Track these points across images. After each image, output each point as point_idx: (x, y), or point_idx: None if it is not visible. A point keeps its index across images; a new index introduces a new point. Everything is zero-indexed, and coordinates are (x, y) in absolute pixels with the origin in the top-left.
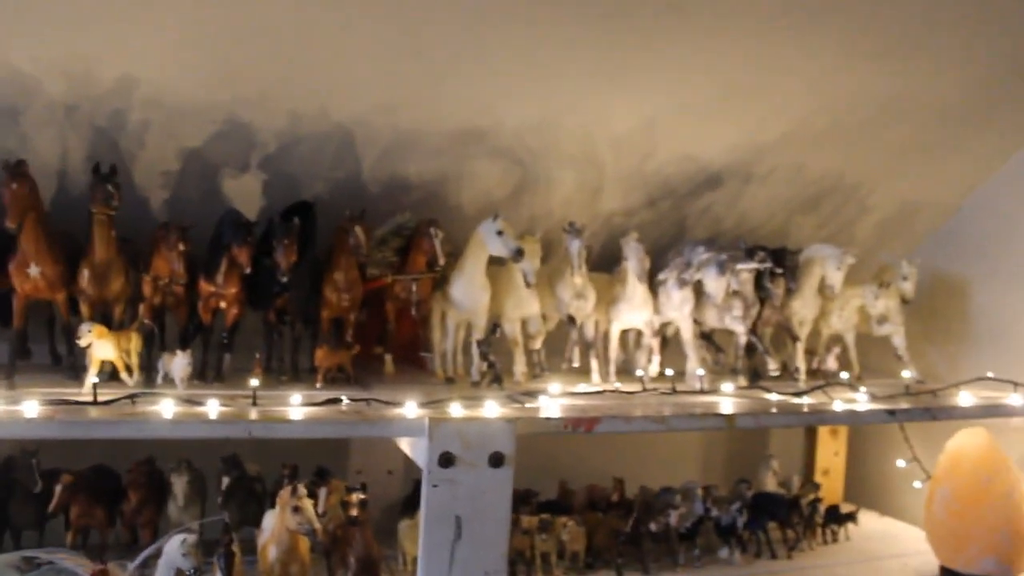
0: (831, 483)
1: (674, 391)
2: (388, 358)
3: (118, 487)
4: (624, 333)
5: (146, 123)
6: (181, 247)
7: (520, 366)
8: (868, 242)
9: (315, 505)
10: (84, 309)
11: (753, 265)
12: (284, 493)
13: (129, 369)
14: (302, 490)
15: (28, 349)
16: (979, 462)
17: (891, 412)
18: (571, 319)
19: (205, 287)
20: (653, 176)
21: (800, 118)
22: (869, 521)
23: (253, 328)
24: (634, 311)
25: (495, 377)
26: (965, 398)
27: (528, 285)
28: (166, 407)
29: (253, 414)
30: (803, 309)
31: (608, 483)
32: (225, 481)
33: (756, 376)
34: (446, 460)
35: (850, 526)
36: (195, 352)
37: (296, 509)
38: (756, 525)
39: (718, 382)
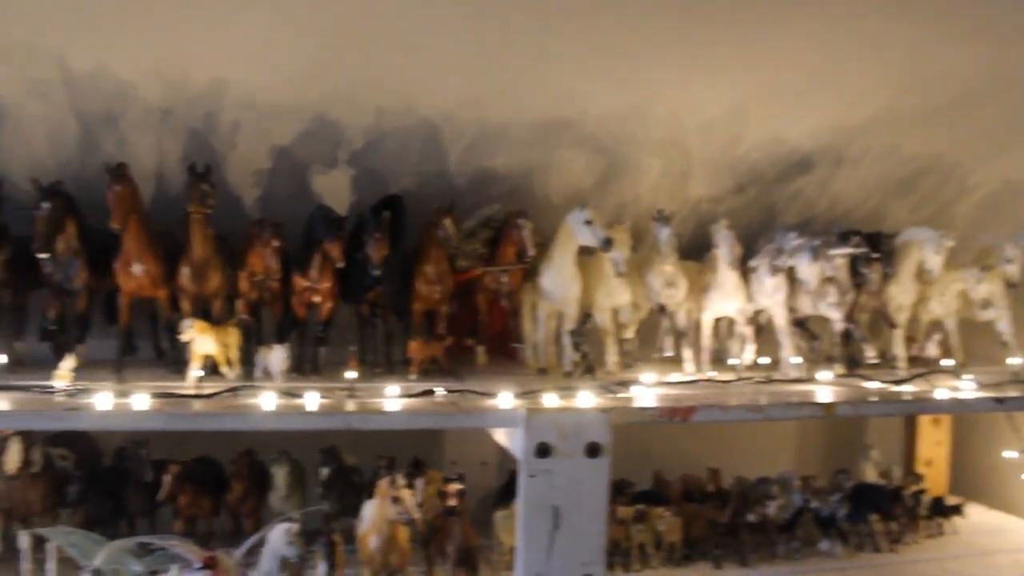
0: (934, 474)
1: (769, 380)
2: (480, 349)
3: (221, 477)
4: (716, 321)
5: (237, 124)
6: (275, 244)
7: (612, 356)
8: (968, 224)
9: (412, 496)
10: (184, 305)
11: (847, 250)
12: (383, 484)
13: (229, 363)
14: (401, 481)
15: (134, 345)
16: None
17: (999, 400)
18: (662, 308)
19: (299, 282)
20: (741, 161)
21: (892, 98)
22: (976, 514)
23: (346, 322)
24: (726, 299)
25: (587, 367)
26: None
27: (618, 274)
28: (267, 399)
29: (351, 406)
30: (901, 295)
31: (702, 473)
32: (324, 472)
33: (853, 364)
34: (542, 450)
35: (956, 519)
36: (291, 346)
37: (395, 499)
38: (857, 517)
39: (814, 370)
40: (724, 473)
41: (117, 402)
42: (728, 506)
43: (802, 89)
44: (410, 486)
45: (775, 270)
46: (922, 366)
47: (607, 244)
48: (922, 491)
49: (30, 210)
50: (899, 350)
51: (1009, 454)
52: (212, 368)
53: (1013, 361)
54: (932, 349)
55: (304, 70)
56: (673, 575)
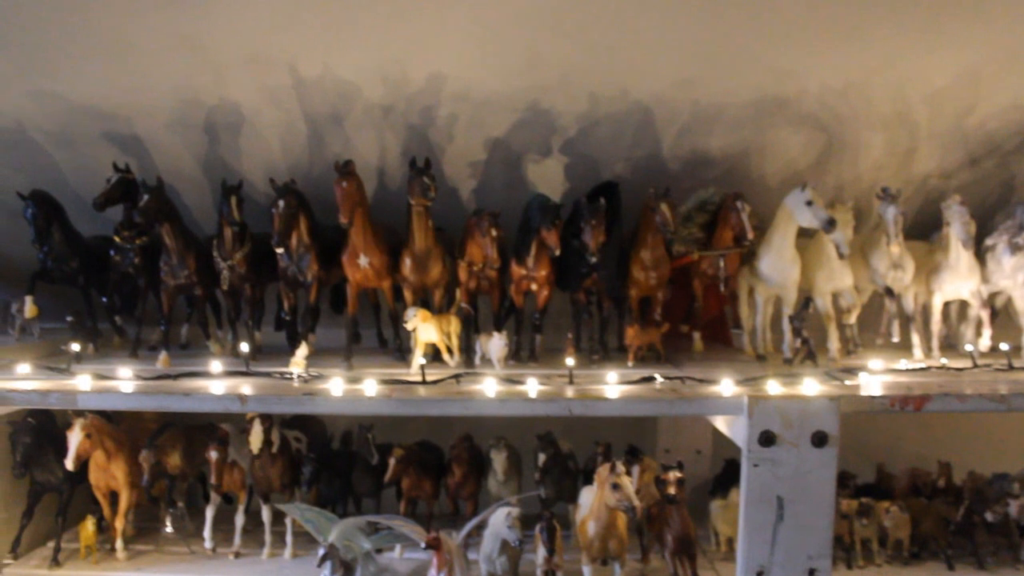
0: None
1: (1011, 367)
2: (697, 335)
3: (441, 461)
4: (946, 305)
5: (454, 117)
6: (494, 233)
7: (834, 342)
8: None
9: (632, 483)
10: (407, 295)
11: None
12: (603, 470)
13: (450, 351)
14: (621, 468)
15: (358, 334)
16: None
17: None
18: (889, 291)
19: (516, 270)
20: (975, 132)
21: None
22: None
23: (559, 308)
24: (959, 280)
25: (809, 353)
26: None
27: (841, 257)
28: (489, 386)
29: (570, 392)
30: None
31: (930, 467)
32: (541, 458)
33: None
34: (767, 439)
35: None
36: (508, 333)
37: (615, 486)
38: None
39: None
40: (955, 467)
41: (349, 388)
42: (962, 503)
43: None
44: (627, 473)
45: (1016, 248)
46: None
47: (830, 225)
48: None
49: (267, 208)
50: None
51: None
52: (434, 355)
53: None
54: None
55: (518, 60)
56: (900, 574)
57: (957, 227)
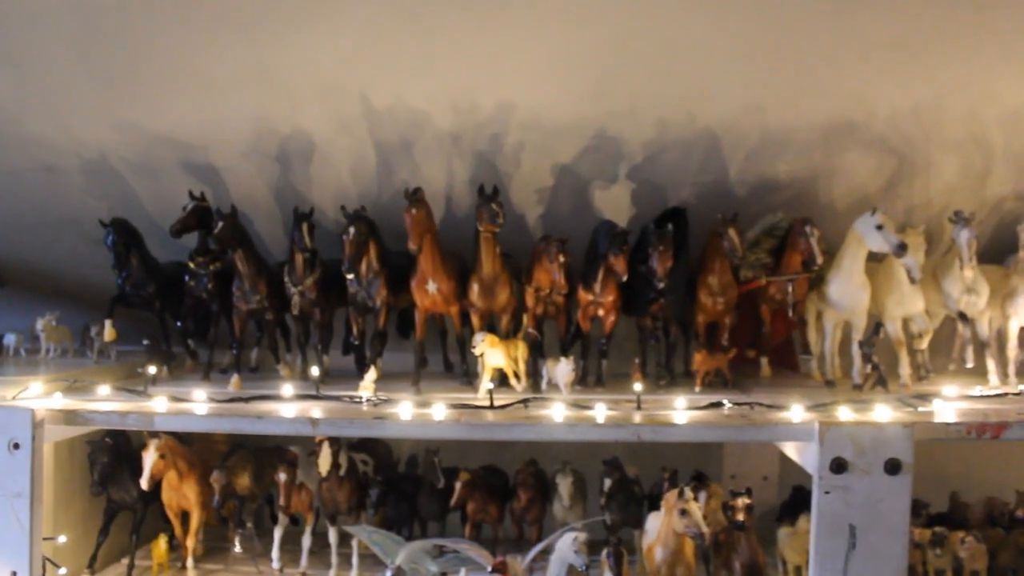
0: None
1: None
2: (764, 361)
3: (506, 486)
4: (1022, 330)
5: (522, 144)
6: (561, 259)
7: (905, 368)
8: None
9: (700, 509)
10: (475, 321)
11: None
12: (670, 496)
13: (517, 376)
14: (689, 493)
15: (425, 358)
16: None
17: None
18: (963, 316)
19: (583, 296)
20: None
21: None
22: None
23: (625, 334)
24: None
25: (879, 379)
26: None
27: (912, 281)
28: (556, 411)
29: (638, 418)
30: None
31: (1007, 496)
32: (607, 483)
33: None
34: (838, 466)
35: None
36: (575, 358)
37: (683, 512)
38: None
39: None
40: None
41: (418, 412)
42: None
43: None
44: (694, 500)
45: None
46: None
47: (901, 249)
48: None
49: (337, 235)
50: None
51: None
52: (501, 380)
53: None
54: None
55: (587, 88)
56: None
57: None
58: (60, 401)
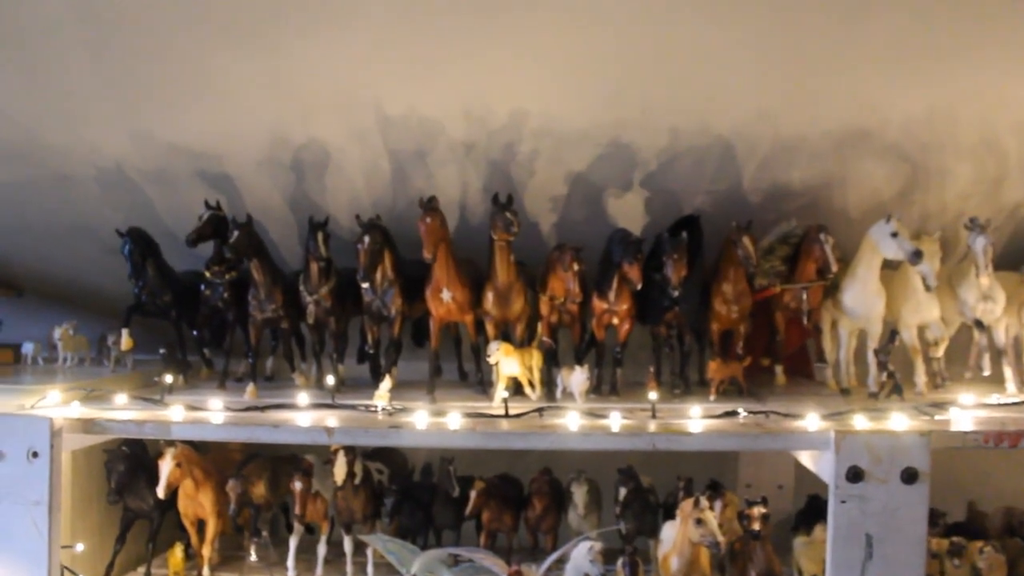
0: None
1: None
2: (779, 369)
3: (521, 495)
4: None
5: (535, 152)
6: (576, 267)
7: (921, 376)
8: None
9: (715, 518)
10: (490, 329)
11: None
12: (686, 505)
13: (532, 384)
14: (705, 502)
15: (439, 367)
16: None
17: None
18: (979, 323)
19: (598, 304)
20: None
21: None
22: None
23: (640, 342)
24: None
25: (895, 387)
26: None
27: (928, 289)
28: (571, 420)
29: (653, 426)
30: None
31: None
32: (622, 492)
33: None
34: (855, 475)
35: None
36: (589, 366)
37: (699, 521)
38: None
39: None
40: None
41: (433, 421)
42: None
43: None
44: (710, 508)
45: None
46: None
47: (916, 256)
48: None
49: (352, 244)
50: None
51: None
52: (515, 389)
53: None
54: None
55: (600, 96)
56: None
57: None
58: (78, 410)
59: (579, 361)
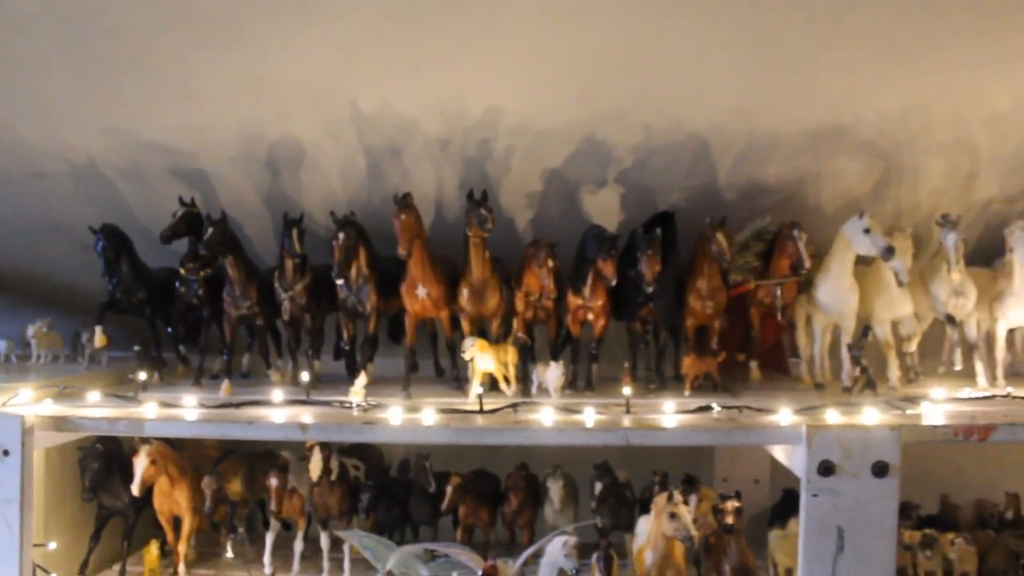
0: None
1: None
2: (754, 364)
3: (498, 490)
4: (1010, 332)
5: (511, 149)
6: (550, 263)
7: (894, 370)
8: None
9: (689, 512)
10: (465, 325)
11: None
12: (660, 500)
13: (507, 380)
14: (679, 497)
15: (415, 363)
16: None
17: None
18: (950, 319)
19: (573, 300)
20: None
21: None
22: None
23: (615, 338)
24: None
25: (868, 382)
26: None
27: (900, 284)
28: (546, 415)
29: (627, 422)
30: None
31: (997, 498)
32: (598, 487)
33: None
34: (826, 469)
35: None
36: (565, 362)
37: (673, 515)
38: None
39: None
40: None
41: (407, 417)
42: None
43: None
44: (684, 503)
45: None
46: None
47: (889, 253)
48: None
49: (327, 240)
50: None
51: None
52: (491, 385)
53: None
54: None
55: (574, 93)
56: None
57: (1022, 253)
58: (50, 407)
59: (554, 357)
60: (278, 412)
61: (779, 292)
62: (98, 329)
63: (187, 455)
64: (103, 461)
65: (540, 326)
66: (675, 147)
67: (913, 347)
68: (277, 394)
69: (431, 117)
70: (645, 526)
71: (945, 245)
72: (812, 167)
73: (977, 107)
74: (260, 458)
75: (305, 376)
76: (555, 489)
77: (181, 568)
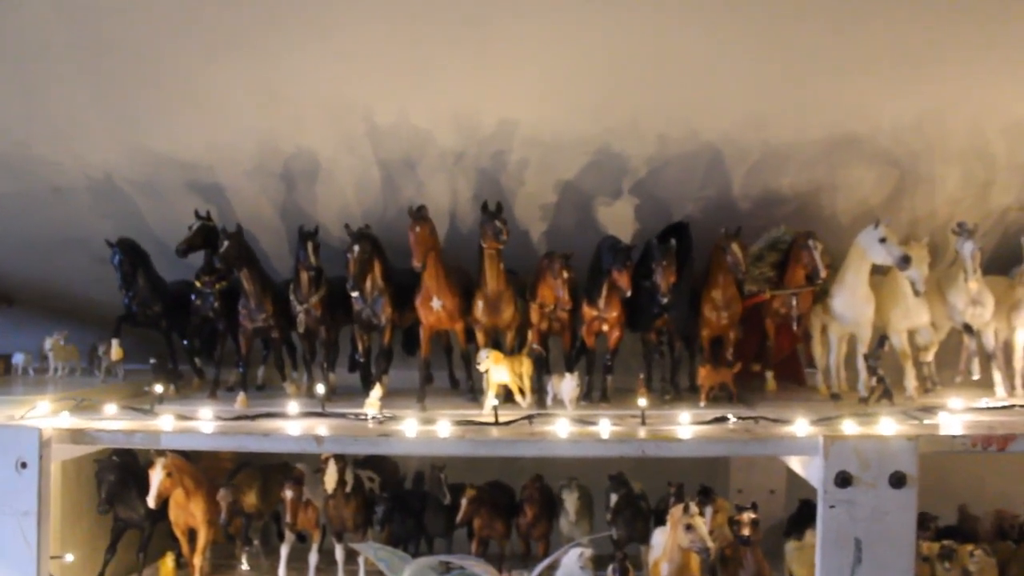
0: None
1: None
2: (769, 375)
3: (513, 502)
4: None
5: (525, 161)
6: (565, 275)
7: (911, 380)
8: None
9: (705, 524)
10: (479, 337)
11: None
12: (676, 511)
13: (522, 392)
14: (695, 508)
15: (430, 375)
16: None
17: None
18: (968, 328)
19: (588, 311)
20: None
21: None
22: None
23: (630, 349)
24: None
25: (884, 392)
26: None
27: (917, 294)
28: (561, 427)
29: (642, 433)
30: None
31: (1016, 508)
32: (613, 498)
33: None
34: (843, 480)
35: None
36: (579, 374)
37: (689, 527)
38: None
39: None
40: None
41: (423, 429)
42: None
43: None
44: (700, 514)
45: None
46: None
47: (905, 262)
48: None
49: (342, 253)
50: None
51: None
52: (506, 396)
53: None
54: None
55: (588, 104)
56: None
57: None
58: (67, 420)
59: (569, 368)
60: (293, 424)
61: (795, 302)
62: (115, 342)
63: (202, 467)
64: (119, 473)
65: (555, 338)
66: (689, 157)
67: (930, 357)
68: (292, 406)
69: (445, 130)
70: (661, 538)
71: (962, 254)
72: (827, 177)
73: (993, 115)
74: (275, 470)
75: (320, 388)
76: (570, 501)
77: None
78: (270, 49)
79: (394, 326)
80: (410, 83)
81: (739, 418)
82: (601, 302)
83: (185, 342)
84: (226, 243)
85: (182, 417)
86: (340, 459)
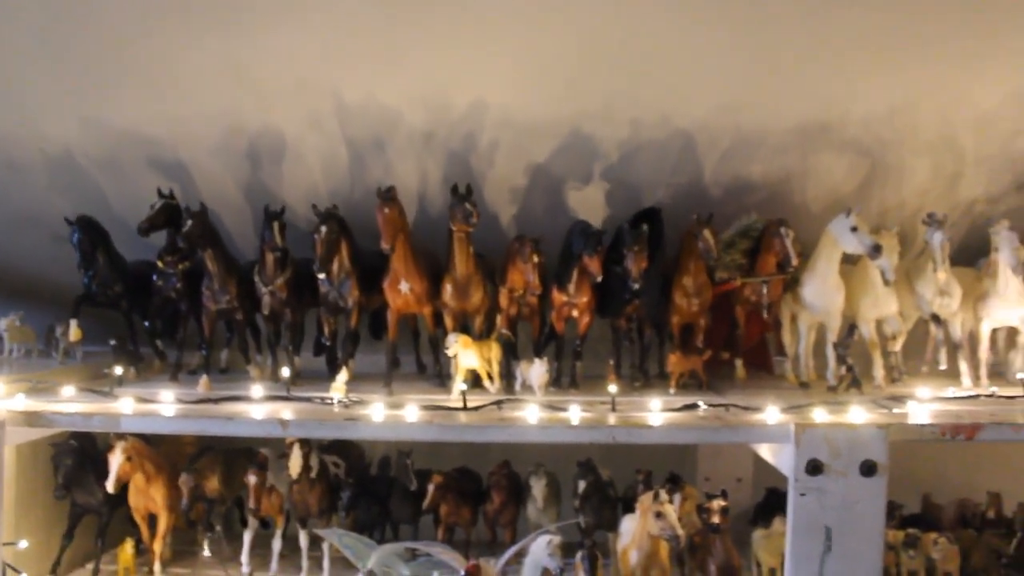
0: None
1: None
2: (739, 363)
3: (480, 488)
4: (994, 332)
5: (496, 143)
6: (535, 259)
7: (879, 369)
8: None
9: (675, 511)
10: (448, 321)
11: None
12: (645, 499)
13: (491, 377)
14: (664, 496)
15: (397, 359)
16: None
17: None
18: (936, 318)
19: (558, 297)
20: (1023, 156)
21: None
22: None
23: (600, 335)
24: (1008, 307)
25: (853, 381)
26: None
27: (886, 283)
28: (531, 413)
29: (613, 419)
30: None
31: (978, 497)
32: (581, 485)
33: None
34: (814, 468)
35: None
36: (549, 359)
37: (658, 515)
38: None
39: None
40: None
41: (390, 414)
42: (1013, 535)
43: None
44: (669, 502)
45: None
46: None
47: (876, 251)
48: None
49: (309, 234)
50: None
51: None
52: (474, 381)
53: None
54: None
55: (560, 87)
56: None
57: (1006, 253)
58: (23, 402)
59: (538, 354)
60: (258, 408)
61: (765, 290)
62: (73, 323)
63: (163, 452)
64: (77, 457)
65: (524, 323)
66: (661, 143)
67: (898, 346)
68: (257, 390)
69: (415, 110)
70: (630, 525)
71: (931, 244)
72: (799, 165)
73: (963, 107)
74: (238, 455)
75: (285, 372)
76: (538, 487)
77: (157, 567)
78: (237, 25)
79: (361, 309)
80: (379, 61)
81: (710, 405)
82: (571, 287)
83: (147, 323)
84: (189, 222)
85: (143, 400)
86: (305, 444)
